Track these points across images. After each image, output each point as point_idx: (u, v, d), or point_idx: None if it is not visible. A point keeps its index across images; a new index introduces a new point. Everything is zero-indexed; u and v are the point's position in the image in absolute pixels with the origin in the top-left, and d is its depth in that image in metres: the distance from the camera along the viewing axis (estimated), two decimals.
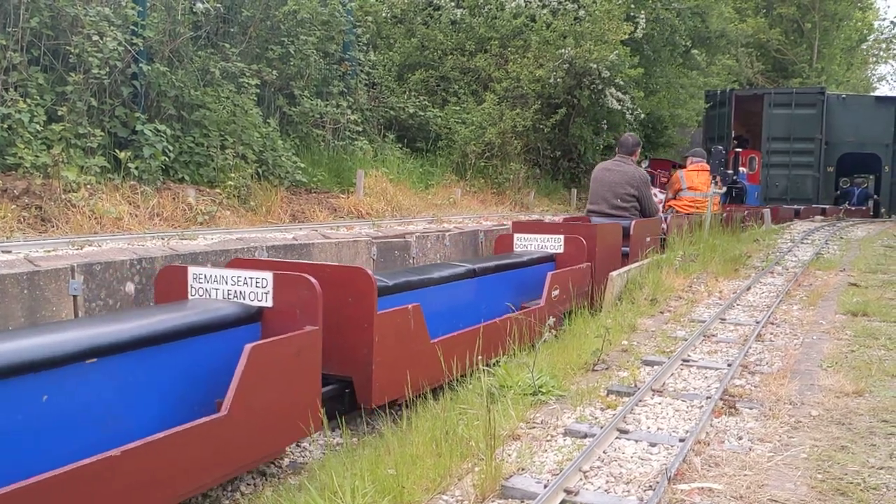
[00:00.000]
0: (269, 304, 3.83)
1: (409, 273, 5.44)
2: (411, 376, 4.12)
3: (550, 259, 7.33)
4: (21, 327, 4.05)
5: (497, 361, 4.39)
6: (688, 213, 11.99)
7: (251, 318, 3.81)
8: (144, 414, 3.25)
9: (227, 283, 3.93)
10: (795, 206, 21.89)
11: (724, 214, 13.71)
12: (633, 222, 8.83)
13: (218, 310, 3.73)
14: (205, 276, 4.01)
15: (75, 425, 2.94)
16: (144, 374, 3.26)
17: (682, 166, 23.44)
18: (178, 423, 3.06)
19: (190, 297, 4.02)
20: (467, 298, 5.79)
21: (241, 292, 3.88)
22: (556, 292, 6.56)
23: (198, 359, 3.53)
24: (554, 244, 7.37)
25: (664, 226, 10.20)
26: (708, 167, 13.26)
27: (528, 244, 7.47)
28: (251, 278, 3.87)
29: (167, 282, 4.11)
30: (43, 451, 2.78)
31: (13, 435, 2.69)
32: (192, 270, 4.05)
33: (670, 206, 12.75)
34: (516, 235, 7.59)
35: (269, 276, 3.83)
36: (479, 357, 4.41)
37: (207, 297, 3.98)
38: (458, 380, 4.48)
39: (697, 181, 12.56)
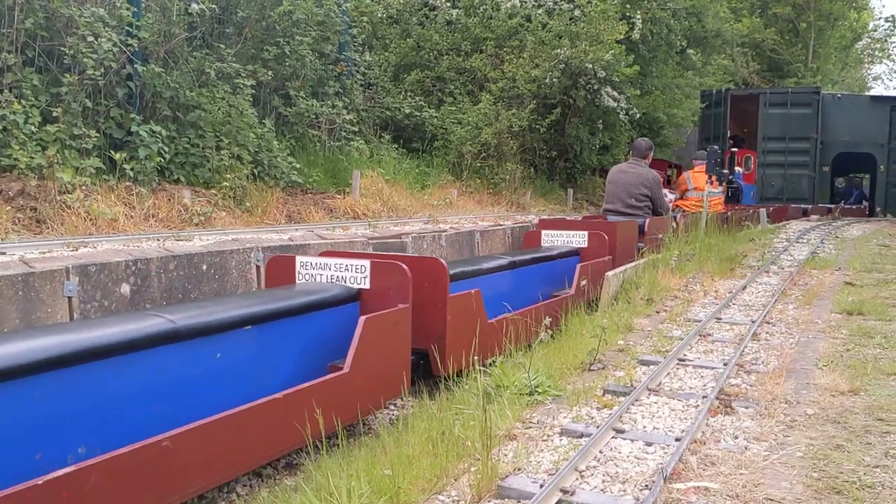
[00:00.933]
0: (367, 286, 4.60)
1: (468, 263, 6.26)
2: (472, 351, 4.61)
3: (576, 253, 7.92)
4: (191, 300, 5.16)
5: (538, 342, 4.56)
6: (695, 213, 12.57)
7: (353, 297, 4.60)
8: (281, 370, 4.04)
9: (330, 269, 4.73)
10: (803, 206, 22.63)
11: (728, 213, 14.31)
12: (648, 220, 9.52)
13: (329, 291, 4.50)
14: (311, 264, 4.81)
15: (239, 376, 3.74)
16: (280, 340, 4.06)
17: (678, 166, 23.57)
18: (302, 380, 3.87)
19: (297, 281, 4.79)
20: (509, 286, 6.47)
21: (342, 277, 4.68)
22: (583, 282, 7.19)
23: (314, 329, 4.30)
24: (578, 239, 8.01)
25: (674, 224, 10.77)
26: (725, 171, 13.96)
27: (555, 240, 8.10)
28: (352, 265, 4.67)
29: (277, 269, 4.88)
30: (218, 396, 3.54)
31: (195, 381, 3.50)
32: (300, 259, 4.85)
33: (678, 206, 13.43)
34: (543, 232, 8.22)
35: (367, 263, 4.62)
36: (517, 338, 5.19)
37: (313, 281, 4.74)
38: (514, 352, 4.83)
39: (702, 182, 13.14)
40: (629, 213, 9.79)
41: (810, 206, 22.84)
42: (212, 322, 3.59)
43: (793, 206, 22.31)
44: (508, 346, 4.54)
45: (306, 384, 3.78)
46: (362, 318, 4.19)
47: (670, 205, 12.65)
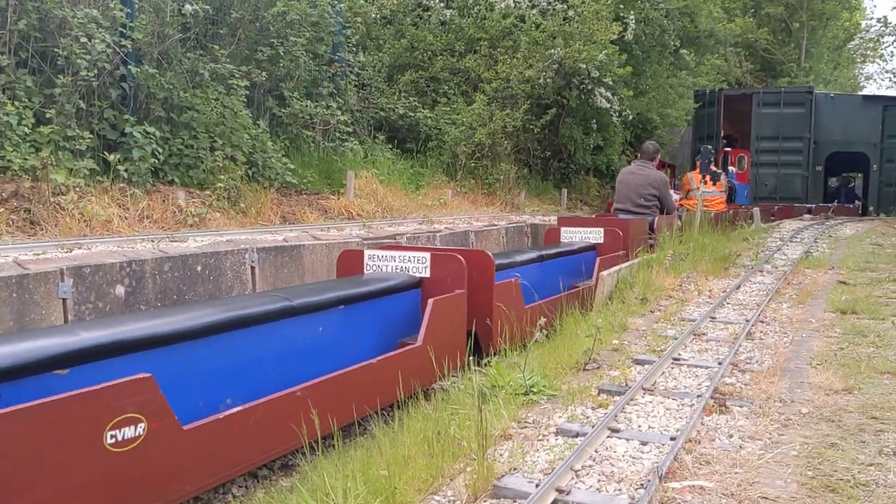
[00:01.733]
0: (427, 274, 5.32)
1: (507, 256, 6.92)
2: (513, 332, 5.38)
3: (592, 248, 8.63)
4: (295, 285, 6.10)
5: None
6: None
7: (416, 284, 5.32)
8: (363, 343, 4.74)
9: (395, 260, 5.46)
10: (808, 205, 23.11)
11: (730, 212, 15.08)
12: (657, 218, 10.13)
13: (398, 279, 5.21)
14: (377, 256, 5.51)
15: (335, 346, 4.51)
16: (362, 319, 4.80)
17: (672, 166, 23.63)
18: (378, 353, 4.59)
19: (366, 272, 5.49)
20: (538, 276, 7.06)
21: (405, 267, 5.39)
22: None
23: (387, 310, 5.02)
24: (595, 236, 8.75)
25: (678, 222, 11.33)
26: (717, 170, 14.83)
27: (574, 236, 8.82)
28: (414, 256, 5.38)
29: (347, 261, 5.60)
30: (321, 361, 4.30)
31: (305, 348, 4.27)
32: (367, 252, 5.56)
33: (682, 205, 14.19)
34: (563, 229, 8.96)
35: (427, 255, 5.35)
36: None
37: (379, 271, 5.45)
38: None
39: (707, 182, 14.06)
40: (638, 211, 10.30)
41: (814, 205, 23.41)
42: (317, 301, 4.40)
43: (797, 205, 22.87)
44: (538, 329, 4.63)
45: (392, 353, 4.61)
46: (431, 300, 4.91)
47: (676, 204, 13.20)
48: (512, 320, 5.56)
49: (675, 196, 13.67)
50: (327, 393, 3.91)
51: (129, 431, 2.83)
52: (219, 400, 3.59)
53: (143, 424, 2.89)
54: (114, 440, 2.78)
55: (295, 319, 4.20)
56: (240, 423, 3.36)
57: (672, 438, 3.45)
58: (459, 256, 5.30)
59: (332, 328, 4.53)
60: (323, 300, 4.45)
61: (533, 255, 7.26)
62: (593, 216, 11.47)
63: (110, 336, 3.19)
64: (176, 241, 6.44)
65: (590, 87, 16.53)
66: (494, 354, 5.09)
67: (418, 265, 5.37)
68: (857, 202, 29.05)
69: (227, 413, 3.34)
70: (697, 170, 14.61)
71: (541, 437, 3.53)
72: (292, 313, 4.17)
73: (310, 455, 3.57)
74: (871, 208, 25.76)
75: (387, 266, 5.47)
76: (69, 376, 2.95)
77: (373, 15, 16.83)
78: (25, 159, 6.81)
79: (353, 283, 5.00)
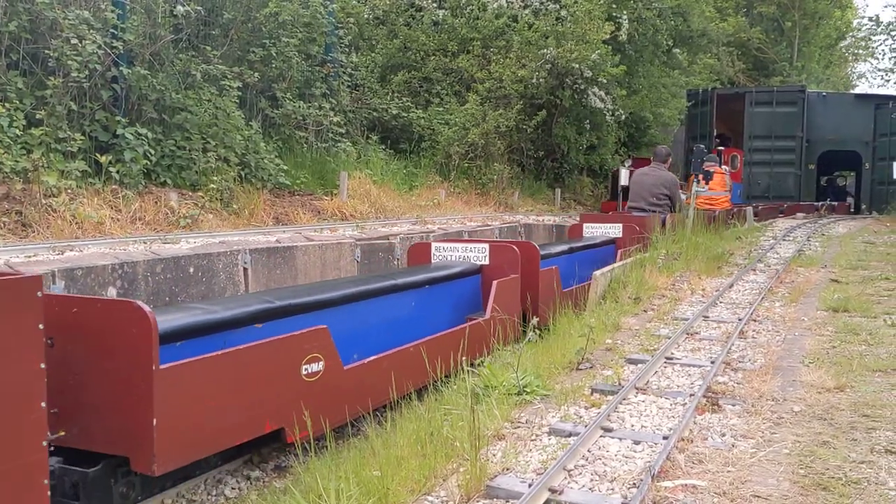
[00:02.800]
0: (487, 262, 6.31)
1: (546, 248, 7.78)
2: (552, 312, 6.25)
3: (612, 242, 9.56)
4: (392, 269, 7.27)
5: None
6: (705, 210, 13.91)
7: (477, 271, 6.34)
8: (440, 317, 5.70)
9: (458, 251, 6.45)
10: (815, 203, 23.63)
11: (734, 210, 16.03)
12: (668, 215, 11.02)
13: (463, 266, 6.24)
14: (443, 247, 6.50)
15: (422, 318, 5.52)
16: (439, 297, 5.84)
17: None
18: (451, 326, 5.47)
19: (433, 261, 6.44)
20: (570, 265, 7.97)
21: (467, 256, 6.38)
22: None
23: (456, 291, 6.08)
24: (615, 230, 9.70)
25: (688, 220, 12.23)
26: (721, 170, 15.87)
27: (595, 231, 9.81)
28: (475, 247, 6.41)
29: (416, 252, 6.62)
30: (414, 328, 5.30)
31: (404, 318, 5.40)
32: (434, 244, 6.59)
33: (687, 204, 14.59)
34: (585, 225, 10.02)
35: (486, 245, 6.42)
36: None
37: (445, 260, 6.43)
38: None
39: (711, 182, 14.36)
40: (651, 209, 11.15)
41: (822, 204, 23.95)
42: (412, 281, 5.53)
43: (804, 203, 23.41)
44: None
45: (468, 324, 5.52)
46: (496, 282, 5.91)
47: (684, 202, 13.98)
48: (553, 302, 6.43)
49: (682, 196, 14.05)
50: (430, 350, 4.84)
51: (314, 367, 3.91)
52: (358, 350, 4.55)
53: (322, 362, 3.96)
54: (306, 372, 3.86)
55: (398, 295, 5.38)
56: (377, 367, 4.43)
57: (665, 437, 3.46)
58: (514, 247, 6.35)
59: (421, 303, 5.60)
60: (416, 280, 5.57)
61: (565, 247, 8.37)
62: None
63: (290, 300, 4.32)
64: (168, 243, 6.43)
65: (583, 86, 16.55)
66: (541, 329, 5.71)
67: (478, 255, 6.37)
68: (848, 199, 29.20)
69: (370, 359, 4.43)
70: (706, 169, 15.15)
71: (534, 437, 3.53)
72: (396, 290, 5.36)
73: (303, 456, 3.57)
74: (864, 206, 25.85)
75: (451, 256, 6.47)
76: (263, 329, 4.00)
77: (365, 15, 16.80)
78: (17, 161, 6.79)
79: (432, 269, 6.04)
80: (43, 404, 2.62)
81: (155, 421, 3.02)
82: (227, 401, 3.41)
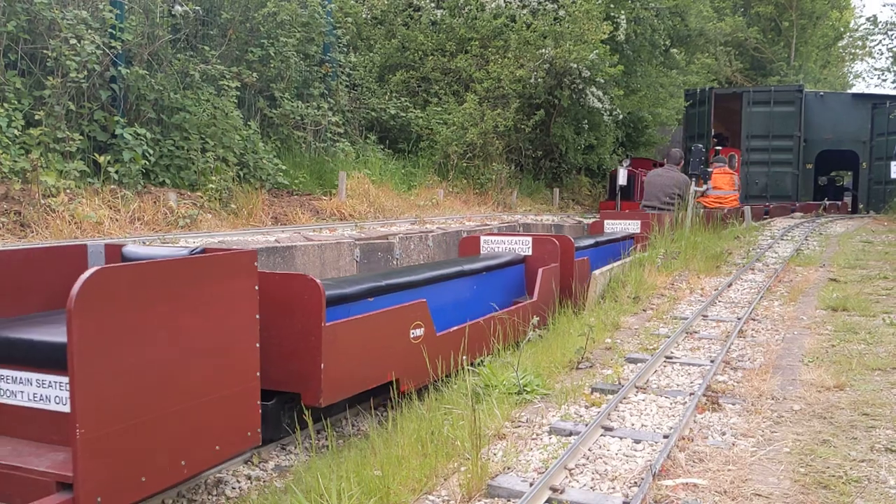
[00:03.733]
0: (530, 253, 7.16)
1: (577, 240, 8.53)
2: (584, 297, 7.26)
3: (630, 237, 10.47)
4: (454, 258, 7.71)
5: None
6: (714, 208, 15.21)
7: (521, 260, 7.17)
8: (494, 299, 6.30)
9: (504, 243, 7.26)
10: (822, 202, 23.86)
11: (743, 209, 17.22)
12: (681, 213, 12.03)
13: (509, 256, 7.05)
14: (490, 241, 7.32)
15: (480, 298, 6.28)
16: (493, 282, 6.65)
17: (662, 165, 23.76)
18: (501, 308, 6.11)
19: (481, 252, 7.26)
20: (596, 257, 8.76)
21: (512, 248, 7.21)
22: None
23: (505, 278, 6.88)
24: (633, 227, 10.66)
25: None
26: (730, 171, 17.58)
27: (615, 227, 10.83)
28: (519, 240, 7.25)
29: (467, 244, 7.45)
30: (475, 308, 6.10)
31: (469, 297, 6.21)
32: (483, 238, 7.36)
33: (698, 202, 15.64)
34: (606, 222, 11.09)
35: (530, 238, 7.24)
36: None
37: (492, 251, 7.21)
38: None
39: (721, 182, 16.36)
40: (664, 207, 12.18)
41: (829, 202, 24.45)
42: (473, 269, 6.37)
43: (810, 202, 23.88)
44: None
45: (523, 304, 6.45)
46: (541, 269, 6.81)
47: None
48: (586, 287, 7.37)
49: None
50: (490, 325, 5.71)
51: (418, 332, 4.84)
52: (438, 322, 5.19)
53: (422, 329, 4.87)
54: (413, 336, 4.78)
55: (463, 279, 6.21)
56: (457, 336, 5.25)
57: (665, 436, 3.46)
58: (555, 240, 7.15)
59: (480, 287, 6.44)
60: (476, 268, 6.43)
61: (592, 241, 9.20)
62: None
63: (395, 280, 5.24)
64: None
65: (581, 86, 16.55)
66: (575, 310, 6.76)
67: (522, 246, 7.20)
68: (845, 198, 29.27)
69: (453, 329, 5.28)
70: (714, 172, 16.63)
71: (534, 437, 3.54)
72: (463, 275, 6.21)
73: (304, 455, 3.57)
74: (862, 206, 25.87)
75: (497, 248, 7.27)
76: (374, 302, 4.82)
77: (363, 15, 16.80)
78: (15, 161, 6.78)
79: (486, 258, 6.81)
80: (257, 344, 3.54)
81: (322, 365, 3.91)
82: (366, 353, 4.33)
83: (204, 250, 3.65)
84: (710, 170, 16.16)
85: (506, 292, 6.82)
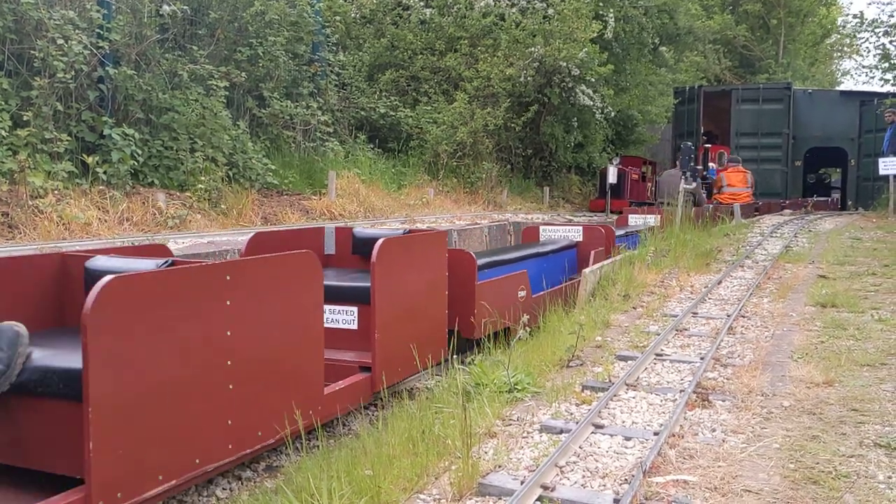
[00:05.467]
0: (580, 239, 8.83)
1: (617, 230, 10.24)
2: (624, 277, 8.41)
3: (652, 229, 11.53)
4: (526, 243, 8.96)
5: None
6: (728, 204, 17.90)
7: (574, 245, 8.80)
8: (555, 277, 7.82)
9: (560, 231, 9.02)
10: (809, 199, 24.46)
11: (759, 204, 19.80)
12: (693, 209, 13.98)
13: (565, 242, 8.69)
14: (548, 229, 9.11)
15: (546, 274, 7.51)
16: (554, 263, 8.18)
17: (653, 163, 23.84)
18: (560, 284, 7.80)
19: (540, 239, 8.92)
20: (628, 243, 9.78)
21: (566, 236, 8.92)
22: None
23: (562, 259, 8.42)
24: (652, 220, 12.29)
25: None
26: (743, 170, 20.12)
27: (638, 220, 12.59)
28: (572, 229, 9.01)
29: (529, 232, 9.22)
30: (550, 280, 7.46)
31: (540, 274, 7.41)
32: (541, 227, 9.16)
33: (715, 199, 18.82)
34: (630, 216, 12.99)
35: (580, 228, 9.01)
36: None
37: (549, 238, 8.91)
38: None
39: (734, 180, 19.46)
40: (677, 204, 14.06)
41: (817, 199, 25.19)
42: (543, 251, 8.01)
43: (813, 199, 24.45)
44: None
45: (576, 280, 7.87)
46: (593, 251, 8.47)
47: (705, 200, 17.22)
48: None
49: (703, 194, 17.52)
50: (559, 294, 7.27)
51: (522, 293, 6.52)
52: (533, 287, 6.83)
53: (525, 291, 6.54)
54: (519, 296, 6.47)
55: (537, 259, 7.76)
56: (542, 298, 6.77)
57: (655, 433, 3.47)
58: (601, 228, 9.04)
59: (547, 265, 7.90)
60: (545, 251, 8.09)
61: (623, 231, 10.73)
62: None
63: (507, 256, 7.15)
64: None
65: (571, 84, 16.57)
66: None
67: (574, 234, 8.92)
68: (833, 195, 29.41)
69: (540, 293, 6.87)
70: (728, 170, 19.82)
71: (525, 435, 3.54)
72: (538, 256, 7.86)
73: (294, 455, 3.56)
74: (850, 202, 25.99)
75: (554, 235, 9.00)
76: (491, 271, 6.33)
77: (352, 14, 16.78)
78: (2, 162, 6.74)
79: (549, 244, 8.48)
80: (446, 292, 5.32)
81: (475, 310, 5.65)
82: (496, 305, 5.85)
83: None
84: (700, 169, 16.72)
85: (561, 272, 8.37)
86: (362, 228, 5.88)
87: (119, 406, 2.75)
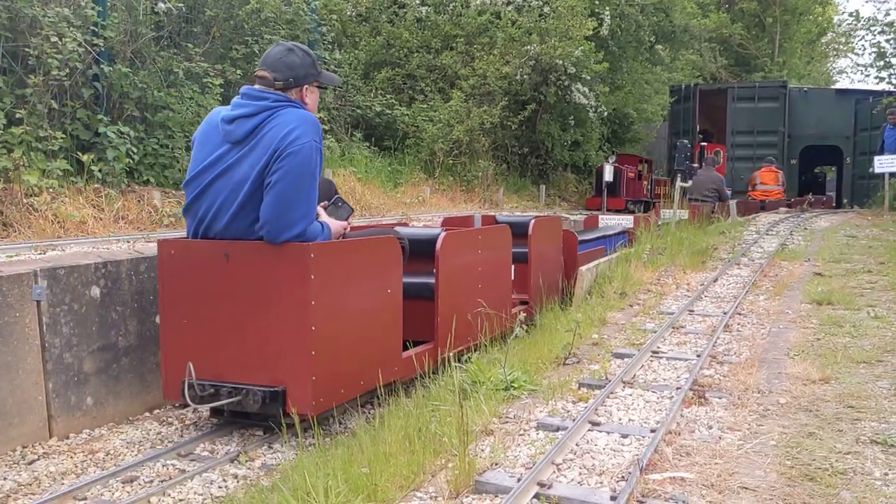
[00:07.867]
0: (630, 226, 11.13)
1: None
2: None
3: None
4: (591, 228, 11.11)
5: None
6: (761, 200, 20.30)
7: (626, 231, 10.89)
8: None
9: (614, 220, 12.02)
10: (803, 198, 23.92)
11: (792, 200, 21.48)
12: (717, 203, 15.77)
13: (619, 228, 10.93)
14: (605, 219, 12.09)
15: (613, 249, 9.82)
16: (613, 242, 10.11)
17: (649, 161, 23.90)
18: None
19: (599, 226, 11.08)
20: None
21: (620, 224, 11.33)
22: None
23: (617, 241, 10.37)
24: (683, 213, 13.44)
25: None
26: (776, 169, 21.39)
27: (668, 214, 13.63)
28: (624, 218, 12.07)
29: (589, 221, 11.48)
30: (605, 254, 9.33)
31: (610, 248, 9.81)
32: (600, 216, 12.14)
33: (749, 196, 20.98)
34: (661, 210, 14.05)
35: (631, 217, 11.89)
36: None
37: (607, 225, 11.25)
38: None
39: (767, 178, 21.07)
40: (705, 199, 15.64)
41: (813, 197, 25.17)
42: (607, 234, 10.09)
43: (801, 197, 24.11)
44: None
45: (615, 255, 9.27)
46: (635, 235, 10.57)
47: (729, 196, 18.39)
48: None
49: (727, 191, 18.61)
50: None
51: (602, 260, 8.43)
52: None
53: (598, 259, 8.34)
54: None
55: (607, 238, 9.77)
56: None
57: (652, 431, 3.47)
58: (648, 217, 11.27)
59: (610, 244, 9.69)
60: (610, 233, 10.18)
61: (660, 221, 12.60)
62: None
63: (591, 236, 9.41)
64: (152, 242, 6.37)
65: (567, 83, 16.57)
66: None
67: (626, 222, 11.27)
68: (828, 193, 29.46)
69: (605, 259, 8.47)
70: (762, 169, 21.19)
71: (522, 432, 3.53)
72: (608, 237, 9.87)
73: (291, 453, 3.55)
74: (846, 201, 26.03)
75: (610, 222, 11.54)
76: (583, 246, 8.18)
77: (348, 12, 16.74)
78: None
79: (608, 229, 10.57)
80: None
81: (577, 269, 7.43)
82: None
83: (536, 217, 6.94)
84: (696, 167, 16.97)
85: (624, 246, 10.08)
86: (504, 216, 7.94)
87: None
